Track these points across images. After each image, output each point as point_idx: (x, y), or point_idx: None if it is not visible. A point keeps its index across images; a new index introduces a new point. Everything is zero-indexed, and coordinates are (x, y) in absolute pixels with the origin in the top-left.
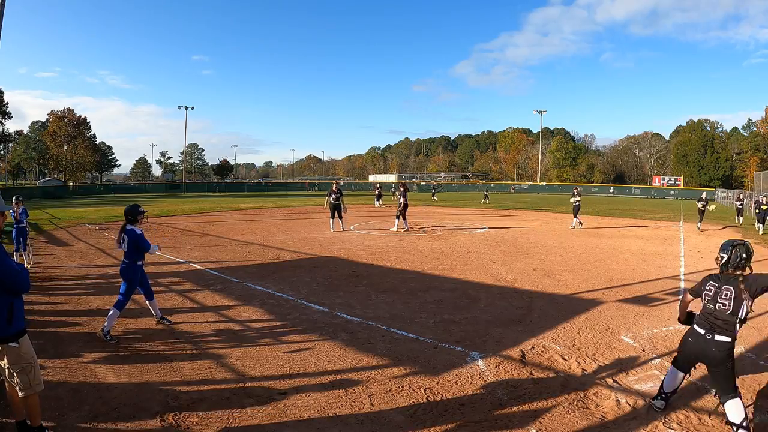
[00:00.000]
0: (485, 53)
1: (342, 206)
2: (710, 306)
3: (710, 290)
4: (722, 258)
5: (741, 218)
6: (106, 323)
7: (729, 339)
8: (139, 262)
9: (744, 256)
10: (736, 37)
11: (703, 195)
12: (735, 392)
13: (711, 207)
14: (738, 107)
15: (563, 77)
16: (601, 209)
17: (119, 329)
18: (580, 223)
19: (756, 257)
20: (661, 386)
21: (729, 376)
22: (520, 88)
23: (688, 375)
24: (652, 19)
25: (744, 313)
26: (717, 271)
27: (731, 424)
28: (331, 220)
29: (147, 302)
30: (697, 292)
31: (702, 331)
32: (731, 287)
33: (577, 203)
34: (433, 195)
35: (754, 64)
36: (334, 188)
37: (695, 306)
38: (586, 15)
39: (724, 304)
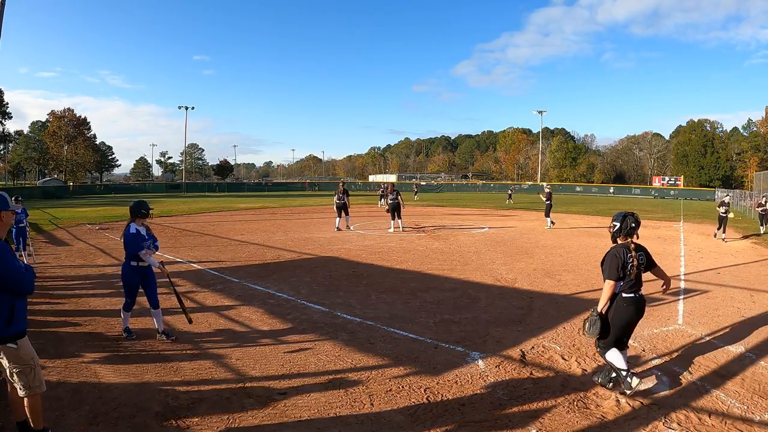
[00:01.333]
0: (486, 53)
1: (347, 205)
2: (636, 271)
3: (631, 260)
4: (615, 226)
5: (764, 227)
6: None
7: (642, 292)
8: (133, 263)
9: (633, 225)
10: (737, 38)
11: (726, 199)
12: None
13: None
14: (738, 107)
15: (564, 77)
16: (602, 209)
17: (119, 329)
18: (552, 222)
19: (756, 257)
20: (618, 369)
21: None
22: (521, 88)
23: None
24: (653, 19)
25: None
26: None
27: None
28: (338, 219)
29: (151, 310)
30: (620, 274)
31: (632, 295)
32: (642, 252)
33: (549, 204)
34: (415, 195)
35: (755, 64)
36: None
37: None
38: (587, 15)
39: (642, 265)
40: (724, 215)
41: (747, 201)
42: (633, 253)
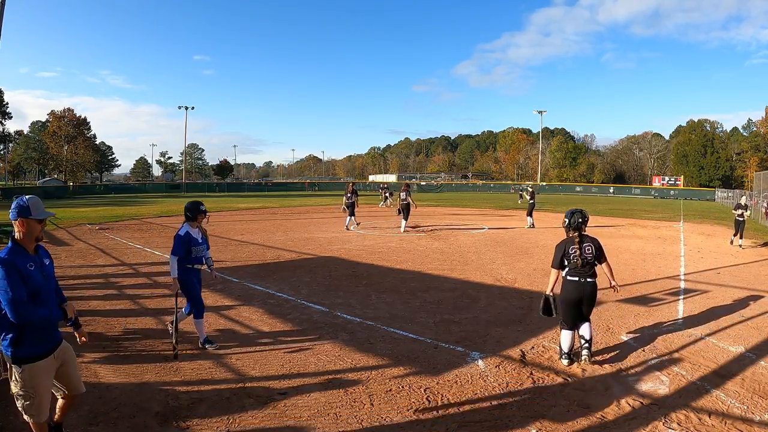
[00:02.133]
0: (487, 53)
1: (355, 205)
2: (579, 260)
3: (574, 251)
4: (566, 222)
5: None
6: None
7: (594, 279)
8: (188, 265)
9: (580, 220)
10: (737, 38)
11: (742, 201)
12: (589, 319)
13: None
14: (738, 107)
15: (564, 77)
16: (602, 209)
17: (119, 329)
18: (533, 225)
19: (756, 257)
20: (561, 349)
21: (593, 306)
22: (521, 88)
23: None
24: (654, 19)
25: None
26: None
27: (583, 338)
28: (349, 217)
29: (180, 311)
30: (560, 263)
31: (576, 279)
32: (590, 243)
33: (531, 203)
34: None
35: (755, 64)
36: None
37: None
38: (588, 15)
39: (589, 255)
40: (741, 219)
41: (748, 201)
42: (577, 246)
